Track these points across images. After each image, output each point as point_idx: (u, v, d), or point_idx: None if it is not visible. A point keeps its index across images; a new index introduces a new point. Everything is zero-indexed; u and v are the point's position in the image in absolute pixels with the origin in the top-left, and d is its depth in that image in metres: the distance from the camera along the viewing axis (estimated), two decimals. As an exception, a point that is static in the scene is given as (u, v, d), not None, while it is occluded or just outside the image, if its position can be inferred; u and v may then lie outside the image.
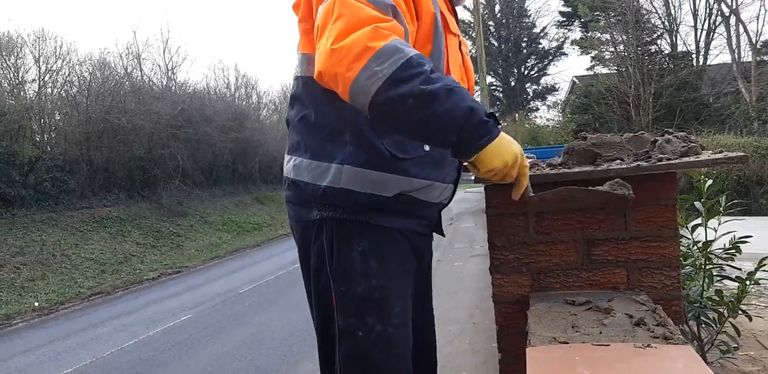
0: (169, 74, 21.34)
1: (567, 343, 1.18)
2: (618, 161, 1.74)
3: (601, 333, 1.24)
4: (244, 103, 24.88)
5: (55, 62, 15.90)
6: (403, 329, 1.47)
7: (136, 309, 8.62)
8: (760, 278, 2.79)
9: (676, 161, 1.63)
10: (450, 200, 1.61)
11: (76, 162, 14.94)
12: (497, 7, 34.00)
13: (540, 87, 34.50)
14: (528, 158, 1.95)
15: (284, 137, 24.36)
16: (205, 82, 24.19)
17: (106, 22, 47.85)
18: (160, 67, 21.66)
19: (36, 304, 9.36)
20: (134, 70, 19.48)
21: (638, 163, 1.64)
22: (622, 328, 1.25)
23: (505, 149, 1.21)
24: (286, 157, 1.54)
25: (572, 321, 1.33)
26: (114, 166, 16.07)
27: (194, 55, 54.76)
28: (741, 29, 20.35)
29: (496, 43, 33.59)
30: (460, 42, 1.55)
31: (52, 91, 15.96)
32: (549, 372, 1.04)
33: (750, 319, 2.83)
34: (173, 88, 20.77)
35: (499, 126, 1.21)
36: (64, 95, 16.09)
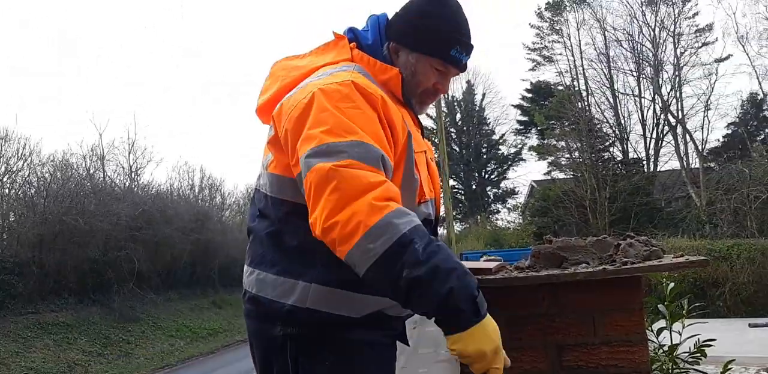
0: (133, 175, 21.38)
1: None
2: (584, 265, 1.77)
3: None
4: (207, 204, 24.78)
5: (16, 163, 15.81)
6: None
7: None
8: (729, 383, 2.75)
9: (640, 264, 1.66)
10: None
11: (27, 265, 14.34)
12: (458, 116, 35.83)
13: (500, 190, 35.53)
14: (495, 260, 1.97)
15: (246, 238, 24.06)
16: (169, 183, 24.18)
17: (74, 121, 48.49)
18: (123, 168, 21.72)
19: (-37, 422, 8.51)
20: (97, 172, 19.48)
21: (604, 267, 1.67)
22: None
23: (484, 339, 1.17)
24: (248, 269, 1.48)
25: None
26: (66, 269, 15.45)
27: (160, 156, 55.21)
28: (687, 138, 21.79)
29: (457, 149, 34.97)
30: (426, 150, 1.58)
31: (9, 191, 15.69)
32: None
33: (724, 427, 2.75)
34: (135, 189, 20.70)
35: (482, 314, 1.18)
36: (21, 195, 15.81)
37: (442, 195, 1.73)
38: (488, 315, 1.20)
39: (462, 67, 1.53)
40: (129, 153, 22.57)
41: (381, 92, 1.38)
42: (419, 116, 1.65)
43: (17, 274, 14.02)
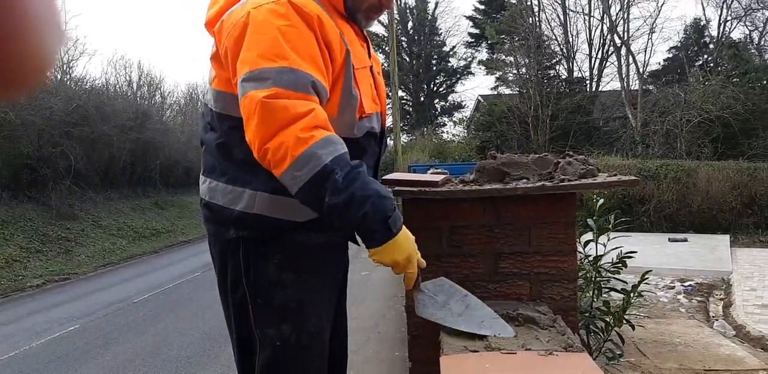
0: (65, 68, 20.13)
1: (477, 352, 1.26)
2: (524, 181, 1.87)
3: (507, 342, 1.32)
4: (146, 102, 23.80)
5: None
6: (319, 339, 1.51)
7: (18, 318, 8.01)
8: (642, 291, 3.05)
9: (576, 182, 1.77)
10: None
11: (-46, 158, 13.71)
12: (410, 24, 34.80)
13: (447, 104, 35.55)
14: (441, 173, 2.05)
15: (189, 139, 23.52)
16: (105, 77, 22.93)
17: (-5, 9, 44.26)
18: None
19: None
20: (26, 62, 18.16)
21: (543, 183, 1.77)
22: (527, 337, 1.35)
23: (396, 251, 1.33)
24: (201, 178, 1.59)
25: (481, 330, 1.41)
26: (-3, 163, 14.87)
27: (94, 48, 52.02)
28: (630, 59, 22.07)
29: (408, 59, 34.32)
30: (371, 65, 1.59)
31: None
32: (462, 378, 1.10)
33: (633, 328, 3.08)
34: (68, 82, 19.58)
35: (395, 231, 1.32)
36: (-58, 84, 14.73)
37: (389, 106, 1.77)
38: (403, 228, 1.35)
39: None
40: (60, 44, 21.05)
41: (318, 10, 1.38)
42: (363, 30, 1.64)
43: (-56, 168, 13.43)
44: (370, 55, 1.61)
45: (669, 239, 11.24)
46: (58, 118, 16.40)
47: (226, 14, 1.45)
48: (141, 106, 22.57)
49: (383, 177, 1.84)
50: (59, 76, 19.46)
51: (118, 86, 22.74)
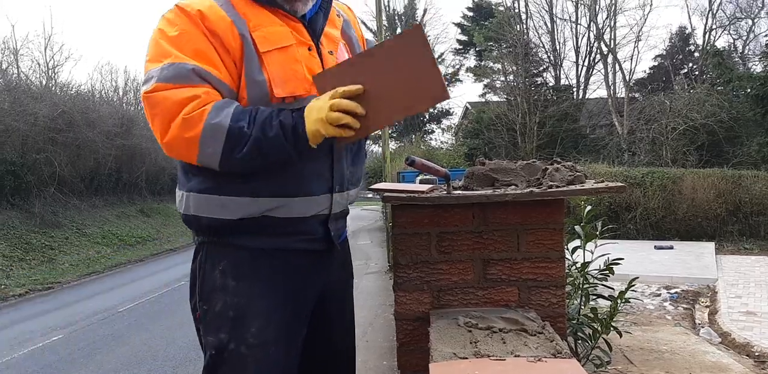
0: (50, 73, 20.01)
1: (467, 358, 1.25)
2: (513, 187, 1.87)
3: (496, 348, 1.31)
4: (133, 108, 23.64)
5: None
6: (258, 350, 1.42)
7: (0, 328, 7.88)
8: (629, 298, 3.05)
9: (564, 188, 1.77)
10: (336, 209, 1.58)
11: (-64, 164, 13.52)
12: (398, 30, 34.99)
13: (436, 111, 35.66)
14: (429, 182, 2.04)
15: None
16: (91, 83, 22.79)
17: (-20, 14, 43.96)
18: (39, 65, 20.26)
19: None
20: (10, 67, 18.07)
21: (531, 189, 1.77)
22: (516, 343, 1.34)
23: (311, 125, 1.34)
24: None
25: (470, 337, 1.40)
26: (-20, 170, 14.68)
27: (80, 53, 51.63)
28: (617, 67, 22.31)
29: (395, 66, 34.47)
30: (292, 44, 1.46)
31: None
32: (451, 385, 1.09)
33: (620, 335, 3.08)
34: (53, 88, 19.42)
35: (301, 110, 1.36)
36: (-75, 90, 14.58)
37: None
38: (304, 108, 1.37)
39: None
40: (45, 48, 21.01)
41: (202, 5, 1.40)
42: (292, 10, 1.50)
43: (-75, 174, 13.22)
44: (317, 36, 1.51)
45: (655, 246, 11.30)
46: (42, 124, 16.27)
47: None
48: (127, 112, 22.44)
49: (370, 187, 1.81)
50: (44, 82, 19.31)
51: (104, 92, 22.69)
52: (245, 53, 1.39)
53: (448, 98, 1.32)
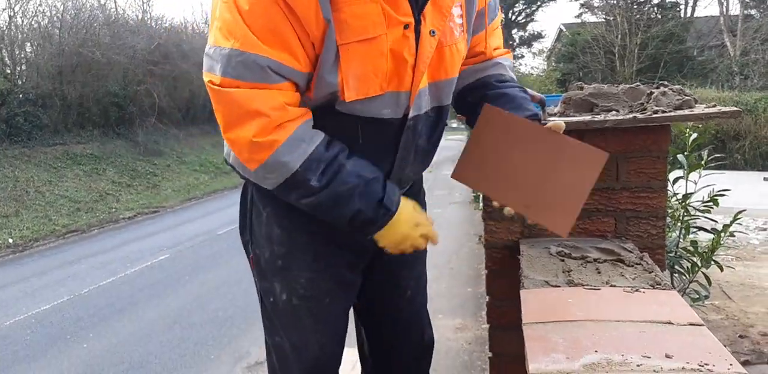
0: (145, 7, 20.57)
1: (559, 287, 1.22)
2: (614, 112, 1.75)
3: (591, 278, 1.27)
4: (223, 40, 24.08)
5: (24, -9, 15.17)
6: (311, 301, 1.34)
7: (113, 247, 8.63)
8: (734, 231, 2.88)
9: (672, 113, 1.64)
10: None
11: (49, 97, 14.50)
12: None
13: (526, 34, 33.95)
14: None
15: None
16: (183, 15, 23.29)
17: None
18: (134, -1, 20.81)
19: (10, 241, 9.30)
20: (107, 2, 18.70)
21: (634, 114, 1.65)
22: (611, 274, 1.29)
23: (393, 234, 1.21)
24: None
25: (563, 266, 1.36)
26: (88, 102, 15.63)
27: (170, -14, 52.50)
28: (731, -19, 20.15)
29: (483, -15, 32.75)
30: (385, 34, 1.11)
31: (22, 21, 15.28)
32: (543, 313, 1.07)
33: (721, 270, 2.94)
34: (149, 21, 20.02)
35: (391, 213, 1.18)
36: (35, 25, 15.40)
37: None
38: (401, 201, 1.22)
39: None
40: (139, -18, 21.47)
41: None
42: None
43: (41, 106, 14.25)
44: (420, 6, 1.14)
45: (764, 178, 10.61)
46: (141, 56, 16.96)
47: None
48: (218, 43, 22.85)
49: (456, 115, 1.65)
50: (140, 16, 19.91)
51: (195, 24, 23.08)
52: (325, 44, 1.08)
53: (563, 235, 1.13)
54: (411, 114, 1.21)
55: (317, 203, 1.15)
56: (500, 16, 1.44)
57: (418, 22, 1.13)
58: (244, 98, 1.07)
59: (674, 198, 2.85)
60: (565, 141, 1.15)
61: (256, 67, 1.05)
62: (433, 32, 1.15)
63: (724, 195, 2.86)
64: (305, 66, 1.10)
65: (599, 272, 1.30)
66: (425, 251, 1.49)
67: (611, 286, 1.21)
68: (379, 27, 1.09)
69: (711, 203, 2.86)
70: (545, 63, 26.23)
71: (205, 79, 1.11)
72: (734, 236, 3.03)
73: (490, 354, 1.73)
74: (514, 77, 1.41)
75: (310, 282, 1.32)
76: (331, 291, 1.35)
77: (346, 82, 1.11)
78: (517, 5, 33.58)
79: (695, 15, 21.99)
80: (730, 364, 0.84)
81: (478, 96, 1.35)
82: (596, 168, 1.11)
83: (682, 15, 21.60)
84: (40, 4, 15.67)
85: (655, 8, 21.47)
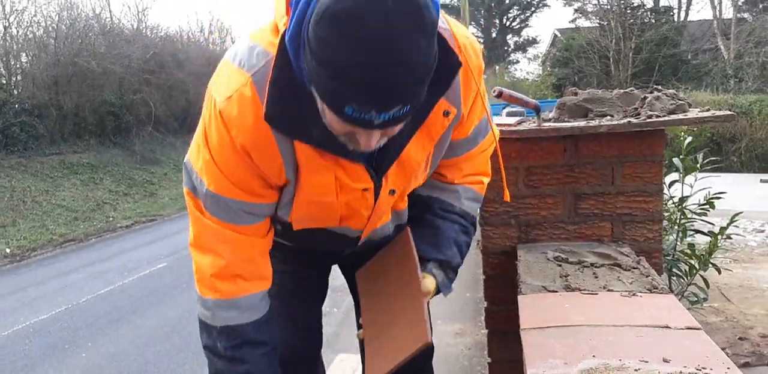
0: (140, 16, 20.60)
1: (556, 292, 1.22)
2: (608, 118, 1.76)
3: (588, 282, 1.28)
4: (218, 48, 24.14)
5: (19, 2, 15.22)
6: (277, 301, 1.35)
7: (110, 256, 8.60)
8: (731, 234, 2.88)
9: (665, 118, 1.65)
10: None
11: (45, 107, 14.50)
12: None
13: (521, 39, 34.13)
14: (515, 114, 1.96)
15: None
16: (178, 25, 23.38)
17: (71, -41, 45.34)
18: (129, 8, 20.88)
19: (7, 250, 9.26)
20: (103, 12, 18.73)
21: (629, 119, 1.66)
22: (608, 278, 1.30)
23: None
24: None
25: (560, 271, 1.37)
26: (84, 111, 15.63)
27: (166, -4, 52.63)
28: (724, -15, 20.27)
29: (478, -8, 32.96)
30: (366, 188, 1.15)
31: (17, 31, 15.30)
32: (541, 318, 1.07)
33: (719, 272, 2.94)
34: (144, 31, 20.05)
35: None
36: (30, 36, 15.42)
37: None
38: None
39: (372, 126, 0.89)
40: (134, -9, 21.50)
41: (246, 140, 1.06)
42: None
43: (37, 116, 14.24)
44: (383, 171, 1.13)
45: (761, 180, 10.65)
46: (136, 66, 16.98)
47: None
48: (213, 52, 22.91)
49: None
50: (135, 25, 19.94)
51: (190, 33, 23.14)
52: (286, 188, 1.15)
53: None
54: (363, 240, 1.29)
55: (211, 361, 1.24)
56: (493, 144, 1.29)
57: (378, 185, 1.15)
58: (219, 235, 1.17)
59: (671, 201, 2.86)
60: (417, 305, 1.14)
61: (230, 210, 1.14)
62: (393, 192, 1.19)
63: (720, 198, 2.87)
64: (273, 198, 1.17)
65: (596, 277, 1.31)
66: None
67: (608, 291, 1.21)
68: (330, 195, 1.14)
69: (707, 206, 2.87)
70: (540, 68, 26.34)
71: (187, 199, 1.21)
72: (731, 238, 3.04)
73: (489, 360, 1.73)
74: (467, 210, 1.30)
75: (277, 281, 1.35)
76: (294, 291, 1.46)
77: (294, 220, 1.21)
78: (511, 11, 33.78)
79: (689, 19, 22.16)
80: (728, 368, 0.84)
81: (415, 212, 1.32)
82: (413, 346, 1.07)
83: (676, 19, 21.73)
84: (35, 15, 15.63)
85: (649, 13, 21.59)
